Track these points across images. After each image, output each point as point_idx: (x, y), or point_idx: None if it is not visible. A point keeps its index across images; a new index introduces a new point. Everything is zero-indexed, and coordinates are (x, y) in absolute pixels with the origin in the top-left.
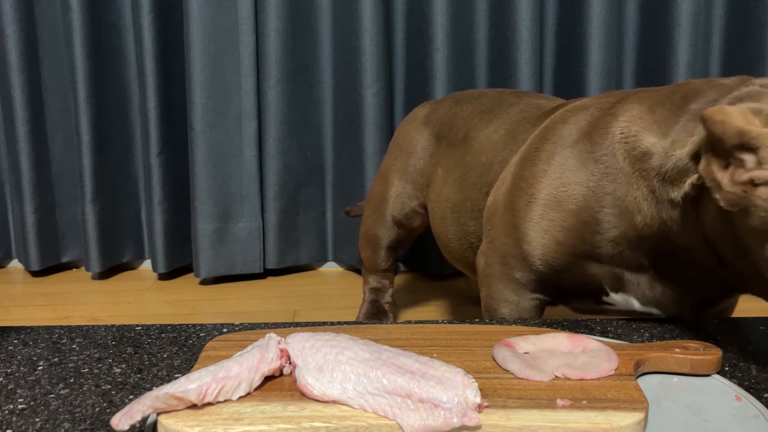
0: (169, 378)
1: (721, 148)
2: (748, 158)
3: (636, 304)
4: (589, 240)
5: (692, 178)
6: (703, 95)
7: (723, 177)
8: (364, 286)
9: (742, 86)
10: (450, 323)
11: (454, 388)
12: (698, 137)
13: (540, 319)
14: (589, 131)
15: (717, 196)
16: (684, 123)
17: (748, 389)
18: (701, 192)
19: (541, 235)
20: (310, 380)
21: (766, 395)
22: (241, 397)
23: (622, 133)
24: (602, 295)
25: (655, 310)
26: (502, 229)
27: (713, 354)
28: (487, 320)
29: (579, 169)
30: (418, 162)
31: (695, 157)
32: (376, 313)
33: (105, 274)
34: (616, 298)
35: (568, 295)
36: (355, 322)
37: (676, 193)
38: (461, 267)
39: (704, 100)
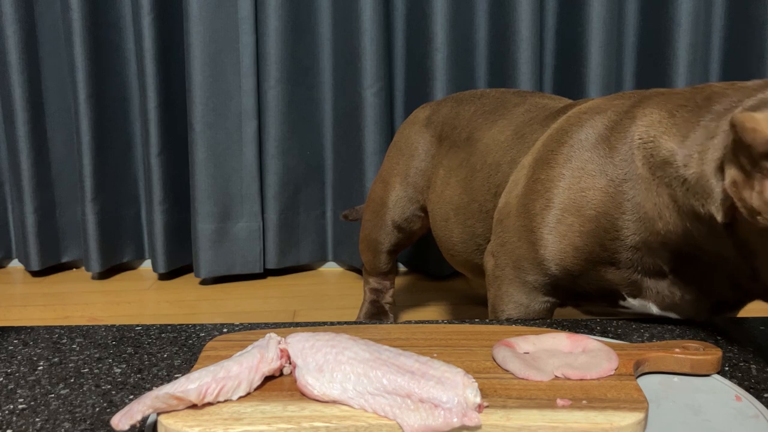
0: (169, 378)
1: (749, 156)
2: None
3: (654, 309)
4: (609, 246)
5: (725, 202)
6: (726, 97)
7: (751, 196)
8: (365, 286)
9: (765, 89)
10: (450, 323)
11: (454, 388)
12: (720, 141)
13: (542, 320)
14: (607, 135)
15: (753, 219)
16: (705, 123)
17: (748, 389)
18: (736, 211)
19: (558, 240)
20: (310, 380)
21: (766, 395)
22: (241, 397)
23: (640, 138)
24: (619, 299)
25: (672, 314)
26: (516, 232)
27: (713, 354)
28: (488, 320)
29: (598, 173)
30: (420, 164)
31: (720, 170)
32: (376, 313)
33: (105, 274)
34: (633, 302)
35: (581, 298)
36: (355, 322)
37: (702, 209)
38: (464, 269)
39: (728, 101)
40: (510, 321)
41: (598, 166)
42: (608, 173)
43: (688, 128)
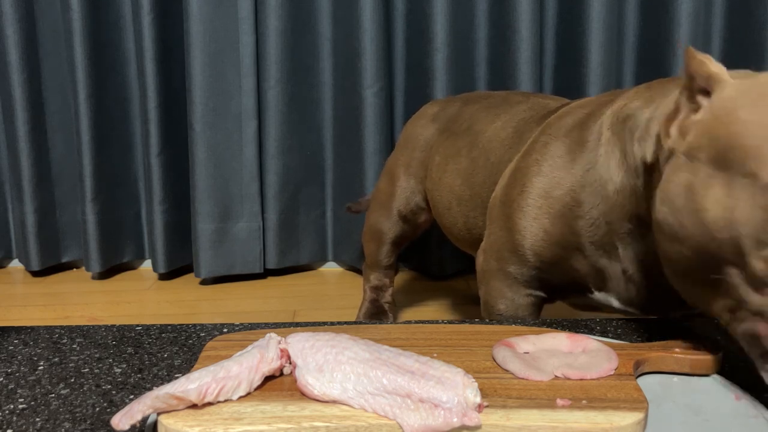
0: (169, 378)
1: (689, 89)
2: (704, 104)
3: (615, 303)
4: (574, 226)
5: (657, 143)
6: None
7: (672, 126)
8: (365, 284)
9: None
10: (450, 323)
11: (454, 388)
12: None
13: (540, 319)
14: (584, 120)
15: (663, 142)
16: (677, 83)
17: (748, 390)
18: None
19: (531, 224)
20: (310, 380)
21: (765, 395)
22: (241, 397)
23: (612, 112)
24: (587, 292)
25: (631, 309)
26: (498, 222)
27: (713, 354)
28: (487, 320)
29: (567, 154)
30: (420, 155)
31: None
32: (376, 313)
33: (105, 274)
34: (598, 296)
35: (558, 291)
36: (355, 322)
37: (638, 157)
38: (471, 251)
39: None
40: (507, 321)
41: (569, 147)
42: (576, 152)
43: (661, 91)
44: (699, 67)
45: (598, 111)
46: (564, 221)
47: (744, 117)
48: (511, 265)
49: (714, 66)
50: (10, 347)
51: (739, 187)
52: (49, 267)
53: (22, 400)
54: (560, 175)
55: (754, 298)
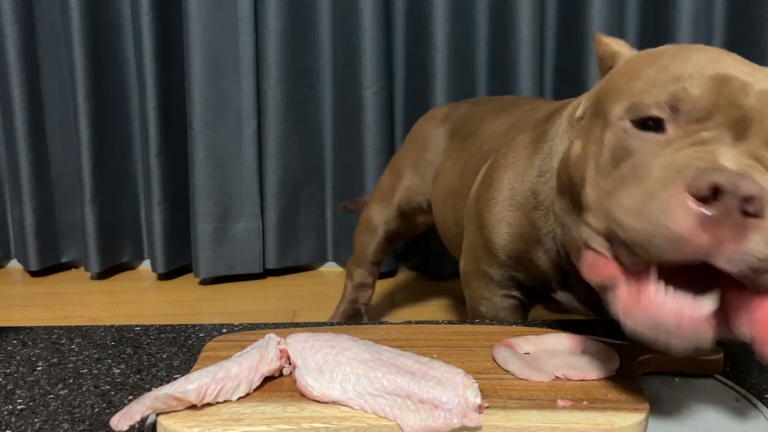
0: (168, 378)
1: (602, 70)
2: None
3: (575, 302)
4: (532, 217)
5: None
6: None
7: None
8: (347, 282)
9: None
10: (450, 323)
11: (454, 389)
12: None
13: (539, 320)
14: (551, 113)
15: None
16: None
17: (748, 390)
18: None
19: (497, 218)
20: (309, 381)
21: (766, 396)
22: (240, 398)
23: (573, 105)
24: (551, 292)
25: (589, 310)
26: (472, 220)
27: (714, 355)
28: (488, 321)
29: (530, 145)
30: (431, 157)
31: None
32: (353, 315)
33: (104, 274)
34: (562, 295)
35: (531, 292)
36: (354, 323)
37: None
38: (457, 255)
39: None
40: (493, 321)
41: (533, 138)
42: (537, 142)
43: None
44: (604, 49)
45: (566, 105)
46: (524, 212)
47: (616, 69)
48: (484, 263)
49: (618, 45)
50: (9, 347)
51: (598, 128)
52: (48, 267)
53: (20, 400)
54: (522, 165)
55: (583, 231)
